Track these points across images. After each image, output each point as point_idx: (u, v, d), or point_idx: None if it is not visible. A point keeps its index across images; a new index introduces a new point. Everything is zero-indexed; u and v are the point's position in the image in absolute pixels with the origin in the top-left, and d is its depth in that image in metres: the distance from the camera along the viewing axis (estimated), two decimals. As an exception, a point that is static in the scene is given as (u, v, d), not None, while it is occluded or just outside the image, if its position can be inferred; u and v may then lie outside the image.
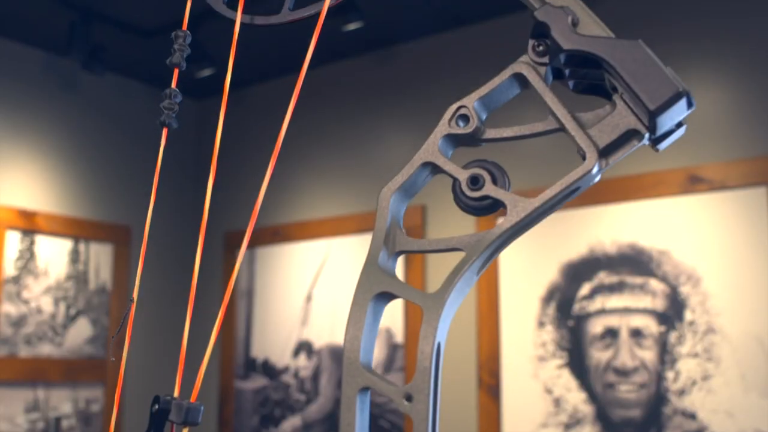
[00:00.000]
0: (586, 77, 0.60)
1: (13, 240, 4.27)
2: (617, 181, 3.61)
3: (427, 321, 0.54)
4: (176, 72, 0.70)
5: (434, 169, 0.61)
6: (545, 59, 0.60)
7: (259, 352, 4.71)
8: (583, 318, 3.61)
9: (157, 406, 0.65)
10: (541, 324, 3.71)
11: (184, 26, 0.72)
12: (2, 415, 4.16)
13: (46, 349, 4.35)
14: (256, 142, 4.83)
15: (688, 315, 3.39)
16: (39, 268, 4.37)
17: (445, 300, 0.54)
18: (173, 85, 0.69)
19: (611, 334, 3.54)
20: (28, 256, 4.33)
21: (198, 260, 0.70)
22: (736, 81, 3.46)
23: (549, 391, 3.65)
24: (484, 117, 0.61)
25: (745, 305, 3.28)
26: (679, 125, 0.57)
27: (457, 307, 0.57)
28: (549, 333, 3.69)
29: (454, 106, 0.60)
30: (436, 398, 0.54)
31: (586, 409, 3.56)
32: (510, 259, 3.79)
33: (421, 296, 0.55)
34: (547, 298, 3.72)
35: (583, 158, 0.57)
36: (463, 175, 0.59)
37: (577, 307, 3.63)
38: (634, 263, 3.53)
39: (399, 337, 4.13)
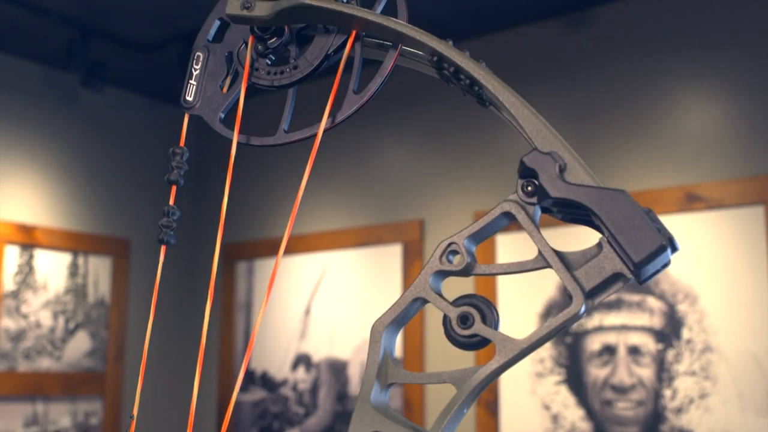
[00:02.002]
0: (573, 214, 0.62)
1: (12, 254, 4.28)
2: (614, 198, 3.61)
3: (419, 463, 0.55)
4: (174, 189, 0.71)
5: (425, 301, 0.62)
6: (534, 199, 0.61)
7: (257, 364, 4.73)
8: (581, 335, 3.63)
9: None
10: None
11: (182, 142, 0.72)
12: (1, 429, 4.17)
13: (45, 363, 4.36)
14: (254, 155, 4.84)
15: (685, 333, 3.40)
16: (38, 282, 4.38)
17: (437, 441, 0.55)
18: (171, 201, 0.70)
19: (609, 351, 3.56)
20: (27, 271, 4.34)
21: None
22: (733, 100, 3.47)
23: (547, 408, 3.67)
24: (473, 249, 0.62)
25: (742, 324, 3.29)
26: (665, 264, 0.59)
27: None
28: (547, 349, 3.70)
29: (445, 243, 0.61)
30: None
31: (584, 425, 3.57)
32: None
33: (413, 437, 0.57)
34: (545, 314, 3.73)
35: (570, 298, 0.58)
36: (453, 313, 0.60)
37: (574, 324, 3.64)
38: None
39: (398, 352, 4.15)
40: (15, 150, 4.37)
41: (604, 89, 3.78)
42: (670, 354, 3.42)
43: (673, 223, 3.49)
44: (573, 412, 3.60)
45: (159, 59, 4.41)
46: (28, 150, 4.42)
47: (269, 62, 0.75)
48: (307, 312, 4.53)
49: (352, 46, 0.73)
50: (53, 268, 4.46)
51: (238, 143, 0.72)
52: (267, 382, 4.65)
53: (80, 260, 4.58)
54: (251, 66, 0.75)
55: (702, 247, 3.42)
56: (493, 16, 3.99)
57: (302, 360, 4.53)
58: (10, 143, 4.35)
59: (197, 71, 0.76)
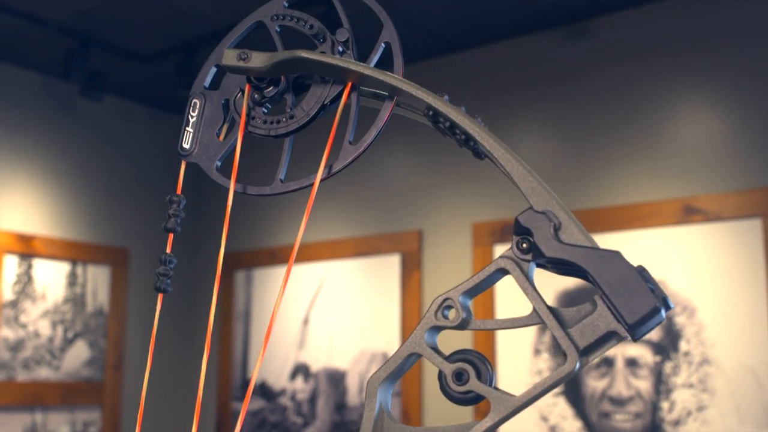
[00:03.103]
0: (568, 271, 0.62)
1: (11, 264, 4.29)
2: (614, 210, 3.62)
3: None
4: (171, 237, 0.71)
5: (420, 356, 0.63)
6: (529, 256, 0.62)
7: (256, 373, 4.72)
8: (579, 346, 3.63)
9: None
10: (537, 351, 3.72)
11: (179, 190, 0.73)
12: (0, 439, 4.18)
13: (43, 373, 4.37)
14: (254, 164, 4.84)
15: (683, 345, 3.40)
16: (37, 291, 4.38)
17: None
18: (168, 249, 0.70)
19: (607, 363, 3.56)
20: (25, 280, 4.34)
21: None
22: (732, 112, 3.48)
23: (545, 419, 3.67)
24: (468, 303, 0.63)
25: (740, 337, 3.29)
26: (659, 322, 0.59)
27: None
28: (545, 361, 3.70)
29: (440, 299, 0.62)
30: None
31: (582, 437, 3.57)
32: (506, 286, 3.79)
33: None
34: (543, 326, 3.72)
35: (564, 356, 0.59)
36: (448, 369, 0.61)
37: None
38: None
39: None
40: (14, 159, 4.37)
41: (601, 101, 3.79)
42: (668, 366, 3.42)
43: (671, 235, 3.49)
44: (571, 424, 3.61)
45: (158, 69, 4.42)
46: (27, 159, 4.42)
47: (265, 111, 0.76)
48: (306, 322, 4.53)
49: (348, 96, 0.73)
50: (52, 278, 4.46)
51: (234, 192, 0.72)
52: (265, 391, 4.65)
53: (79, 269, 4.58)
54: (248, 115, 0.76)
55: (700, 260, 3.42)
56: (491, 27, 3.99)
57: (301, 370, 4.53)
58: (9, 152, 4.35)
59: (194, 118, 0.76)
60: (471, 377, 0.61)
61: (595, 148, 3.77)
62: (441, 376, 0.62)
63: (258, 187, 0.75)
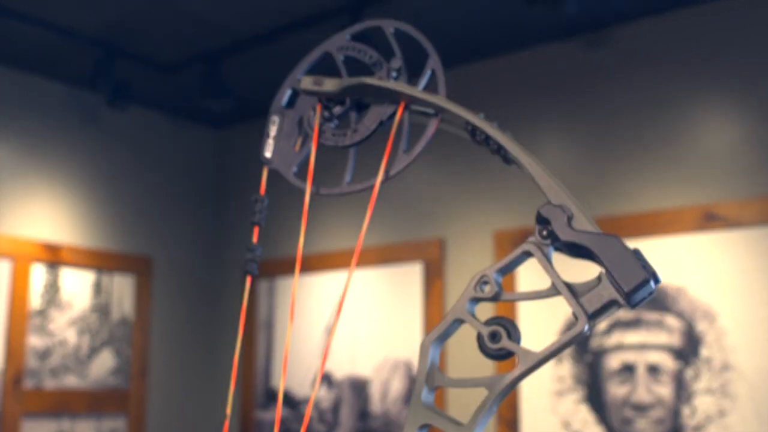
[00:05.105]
0: (578, 253, 0.80)
1: (39, 273, 4.35)
2: (634, 217, 3.66)
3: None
4: (257, 229, 0.91)
5: (463, 321, 0.81)
6: (548, 241, 0.80)
7: (279, 382, 4.77)
8: (601, 353, 3.67)
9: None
10: (559, 359, 3.76)
11: (262, 191, 0.95)
12: (30, 446, 4.24)
13: (70, 381, 4.43)
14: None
15: (704, 351, 3.43)
16: (63, 300, 4.45)
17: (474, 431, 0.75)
18: (254, 239, 0.89)
19: (628, 369, 3.59)
20: (53, 289, 4.41)
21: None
22: (752, 119, 3.50)
23: (567, 426, 3.71)
24: (500, 280, 0.81)
25: (761, 342, 3.32)
26: (650, 293, 0.78)
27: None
28: (567, 368, 3.74)
29: (479, 275, 0.80)
30: None
31: (603, 443, 3.61)
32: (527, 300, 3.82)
33: (455, 428, 0.76)
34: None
35: (576, 319, 0.77)
36: (485, 330, 0.78)
37: (594, 343, 3.68)
38: (650, 299, 3.57)
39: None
40: (41, 169, 4.44)
41: (622, 108, 3.82)
42: (689, 372, 3.45)
43: (691, 242, 3.52)
44: (593, 430, 3.64)
45: (182, 79, 4.48)
46: (54, 169, 4.49)
47: (333, 126, 0.94)
48: (328, 330, 4.58)
49: (402, 114, 0.92)
50: (78, 287, 4.52)
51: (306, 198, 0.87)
52: (288, 400, 4.70)
53: (104, 278, 4.64)
54: (319, 129, 0.94)
55: (720, 267, 3.45)
56: (512, 36, 4.03)
57: (324, 378, 4.57)
58: (37, 162, 4.42)
59: (274, 132, 0.95)
60: (503, 337, 0.78)
61: (615, 156, 3.80)
62: (479, 336, 0.78)
63: (329, 188, 0.94)
